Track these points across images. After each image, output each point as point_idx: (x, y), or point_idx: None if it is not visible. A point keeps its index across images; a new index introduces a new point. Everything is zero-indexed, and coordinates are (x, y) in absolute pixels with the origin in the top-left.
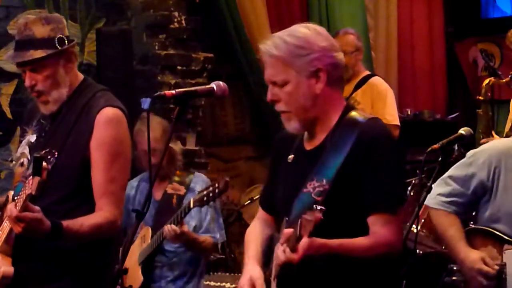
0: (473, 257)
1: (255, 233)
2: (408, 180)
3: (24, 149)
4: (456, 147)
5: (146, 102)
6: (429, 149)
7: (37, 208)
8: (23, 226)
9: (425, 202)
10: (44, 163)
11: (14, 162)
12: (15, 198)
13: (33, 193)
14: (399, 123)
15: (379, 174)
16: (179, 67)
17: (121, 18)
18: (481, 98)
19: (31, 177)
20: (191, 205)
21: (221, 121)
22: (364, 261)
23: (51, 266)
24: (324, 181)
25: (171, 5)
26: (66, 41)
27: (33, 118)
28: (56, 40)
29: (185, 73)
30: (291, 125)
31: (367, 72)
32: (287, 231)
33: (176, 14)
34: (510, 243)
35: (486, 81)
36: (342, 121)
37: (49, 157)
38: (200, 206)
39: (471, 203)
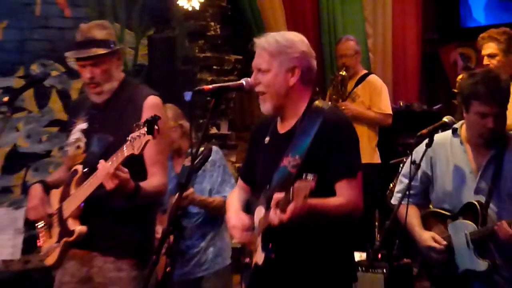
0: (424, 236)
1: (235, 196)
2: (399, 160)
3: (77, 135)
4: (439, 132)
5: (188, 95)
6: (419, 133)
7: (126, 170)
8: (117, 183)
9: (391, 202)
10: (156, 126)
11: (68, 146)
12: (85, 170)
13: (136, 153)
14: (391, 113)
15: (341, 149)
16: (214, 67)
17: (167, 27)
18: (456, 90)
19: (132, 140)
20: (178, 185)
21: (248, 111)
22: (336, 218)
23: (112, 224)
24: (297, 156)
25: (208, 16)
26: (117, 43)
27: (79, 111)
28: (111, 42)
29: (219, 72)
30: (265, 106)
31: (365, 71)
32: (277, 196)
33: (212, 24)
34: (451, 217)
35: (460, 76)
36: (308, 109)
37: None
38: (196, 172)
39: (423, 191)
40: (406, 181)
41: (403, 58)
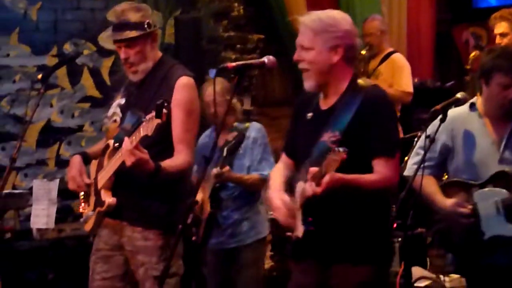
0: (448, 203)
1: (278, 172)
2: (413, 134)
3: (115, 109)
4: (452, 107)
5: (212, 72)
6: (433, 109)
7: (145, 150)
8: (133, 161)
9: (404, 173)
10: (164, 109)
11: (107, 120)
12: (116, 145)
13: (149, 134)
14: (411, 91)
15: (381, 127)
16: (237, 46)
17: (193, 8)
18: (468, 67)
19: (147, 121)
20: (224, 153)
21: (270, 87)
22: (370, 193)
23: (140, 197)
24: (337, 132)
25: None
26: (152, 25)
27: (119, 86)
28: (145, 24)
29: (242, 51)
30: (308, 83)
31: (390, 49)
32: (313, 169)
33: (235, 4)
34: (475, 186)
35: (473, 53)
36: (350, 86)
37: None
38: (231, 153)
39: (440, 163)
40: (422, 152)
41: (417, 37)
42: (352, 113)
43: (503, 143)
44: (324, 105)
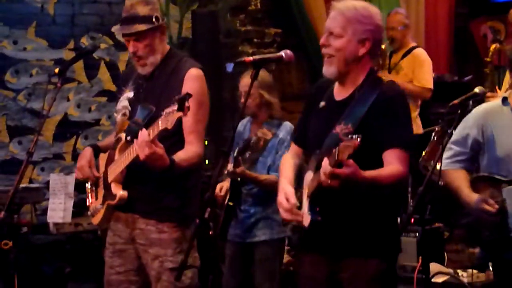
0: (475, 199)
1: (288, 161)
2: (432, 128)
3: (124, 103)
4: (471, 102)
5: (230, 66)
6: (451, 104)
7: (161, 145)
8: (147, 154)
9: (442, 168)
10: (186, 102)
11: (116, 113)
12: (128, 138)
13: (169, 127)
14: (431, 87)
15: (396, 121)
16: (255, 40)
17: (210, 2)
18: (488, 59)
19: (166, 114)
20: (235, 153)
21: (287, 81)
22: (386, 187)
23: (154, 190)
24: (350, 125)
25: None
26: (160, 19)
27: (128, 80)
28: (154, 18)
29: (259, 44)
30: (330, 69)
31: (413, 44)
32: (325, 161)
33: None
34: (505, 182)
35: (493, 46)
36: (367, 80)
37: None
38: (241, 155)
39: (472, 158)
40: (455, 147)
41: (435, 31)
42: (367, 107)
43: None
44: (339, 95)
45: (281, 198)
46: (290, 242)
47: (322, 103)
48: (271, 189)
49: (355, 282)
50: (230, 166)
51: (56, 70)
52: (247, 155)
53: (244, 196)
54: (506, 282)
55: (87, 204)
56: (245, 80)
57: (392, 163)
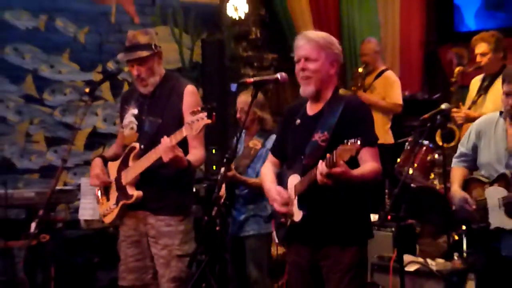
0: (458, 196)
1: (269, 169)
2: (405, 139)
3: (130, 118)
4: (438, 116)
5: (234, 86)
6: (421, 118)
7: (181, 150)
8: (171, 157)
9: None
10: (214, 112)
11: (123, 128)
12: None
13: (194, 133)
14: (401, 103)
15: (362, 124)
16: (255, 64)
17: (217, 32)
18: (453, 80)
19: (190, 123)
20: (225, 160)
21: (282, 98)
22: (369, 181)
23: (162, 189)
24: (326, 132)
25: (250, 23)
26: (157, 46)
27: (129, 100)
28: (153, 45)
29: (259, 68)
30: (308, 89)
31: (383, 67)
32: (321, 163)
33: (253, 29)
34: (487, 183)
35: (458, 68)
36: (334, 95)
37: (156, 120)
38: (230, 162)
39: (473, 158)
40: (461, 148)
41: (409, 56)
42: (337, 116)
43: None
44: (311, 111)
45: (273, 195)
46: (277, 236)
47: (298, 121)
48: (258, 191)
49: (334, 268)
50: (222, 170)
51: (86, 90)
52: (241, 162)
53: (237, 197)
54: (499, 269)
55: (99, 206)
56: (242, 98)
57: (367, 160)
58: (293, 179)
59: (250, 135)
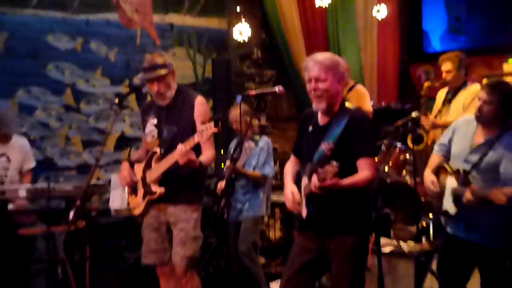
0: (428, 178)
1: (290, 167)
2: (382, 141)
3: (151, 127)
4: (409, 123)
5: (239, 98)
6: (395, 124)
7: (193, 153)
8: (186, 160)
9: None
10: (220, 121)
11: (145, 136)
12: (161, 151)
13: (204, 140)
14: (372, 111)
15: (363, 137)
16: (256, 79)
17: (225, 52)
18: (422, 93)
19: (200, 131)
20: (230, 158)
21: (279, 108)
22: (361, 187)
23: (180, 185)
24: (331, 142)
25: (253, 45)
26: (172, 65)
27: (148, 112)
28: (168, 64)
29: (260, 82)
30: (321, 105)
31: (353, 82)
32: (314, 177)
33: (255, 50)
34: (449, 173)
35: (426, 83)
36: (340, 109)
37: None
38: (234, 162)
39: (449, 149)
40: (442, 139)
41: (385, 72)
42: (342, 127)
43: (473, 149)
44: (322, 121)
45: (288, 193)
46: (295, 225)
47: (310, 128)
48: (256, 182)
49: (338, 251)
50: (227, 164)
51: (116, 100)
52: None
53: (236, 188)
54: (445, 244)
55: (128, 201)
56: (233, 112)
57: (364, 169)
58: (304, 181)
59: (247, 139)
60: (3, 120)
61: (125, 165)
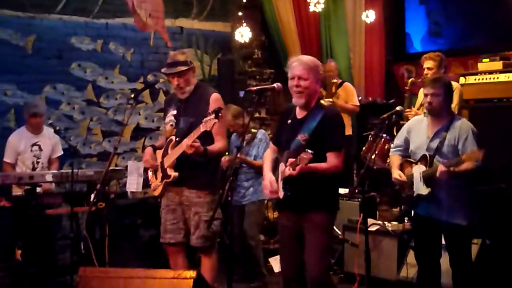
0: (395, 173)
1: (269, 155)
2: (368, 133)
3: (170, 118)
4: (394, 116)
5: (241, 93)
6: (381, 117)
7: (198, 141)
8: (192, 151)
9: (390, 153)
10: (220, 113)
11: (165, 125)
12: (177, 139)
13: (208, 129)
14: (358, 105)
15: (333, 132)
16: (257, 77)
17: (229, 53)
18: (407, 88)
19: (205, 121)
20: (236, 150)
21: (277, 103)
22: (325, 175)
23: (194, 170)
24: (306, 134)
25: (254, 46)
26: (192, 62)
27: (170, 104)
28: (188, 62)
29: (260, 80)
30: (300, 100)
31: (340, 80)
32: (291, 160)
33: (256, 50)
34: (414, 163)
35: (409, 80)
36: (316, 105)
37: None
38: (238, 151)
39: (406, 148)
40: (396, 141)
41: (371, 71)
42: (316, 121)
43: (430, 138)
44: (299, 115)
45: (266, 182)
46: (273, 205)
47: (289, 121)
48: (257, 169)
49: (311, 225)
50: (224, 158)
51: (132, 96)
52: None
53: (240, 174)
54: (417, 227)
55: (150, 183)
56: (228, 116)
57: (329, 161)
58: (281, 167)
59: (241, 136)
60: (34, 102)
61: (148, 150)
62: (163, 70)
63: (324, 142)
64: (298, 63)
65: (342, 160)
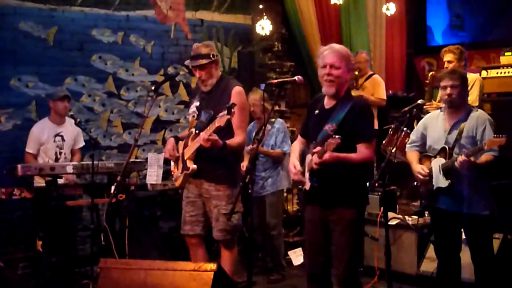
0: (417, 168)
1: (297, 147)
2: (389, 126)
3: (193, 109)
4: (414, 109)
5: (262, 86)
6: (402, 110)
7: (215, 135)
8: (208, 144)
9: (406, 150)
10: (232, 109)
11: (188, 116)
12: (197, 131)
13: (222, 125)
14: (385, 99)
15: (362, 123)
16: (277, 69)
17: (249, 45)
18: (427, 81)
19: (220, 117)
20: (253, 140)
21: (297, 95)
22: (355, 167)
23: (214, 163)
24: (334, 124)
25: (274, 39)
26: (215, 56)
27: (195, 95)
28: (211, 55)
29: (280, 72)
30: (331, 90)
31: (371, 72)
32: (317, 148)
33: (276, 43)
34: (433, 156)
35: (430, 73)
36: (345, 95)
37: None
38: (259, 142)
39: (422, 144)
40: (412, 137)
41: (392, 64)
42: (345, 112)
43: (448, 131)
44: (328, 105)
45: (291, 167)
46: (299, 198)
47: (317, 111)
48: (277, 159)
49: (339, 222)
50: (250, 147)
51: (152, 88)
52: (253, 141)
53: (258, 165)
54: (437, 221)
55: (172, 173)
56: (251, 97)
57: (360, 152)
58: (308, 158)
59: (260, 123)
60: (57, 90)
61: (171, 140)
62: (186, 62)
63: (354, 132)
64: (330, 51)
65: (373, 151)
